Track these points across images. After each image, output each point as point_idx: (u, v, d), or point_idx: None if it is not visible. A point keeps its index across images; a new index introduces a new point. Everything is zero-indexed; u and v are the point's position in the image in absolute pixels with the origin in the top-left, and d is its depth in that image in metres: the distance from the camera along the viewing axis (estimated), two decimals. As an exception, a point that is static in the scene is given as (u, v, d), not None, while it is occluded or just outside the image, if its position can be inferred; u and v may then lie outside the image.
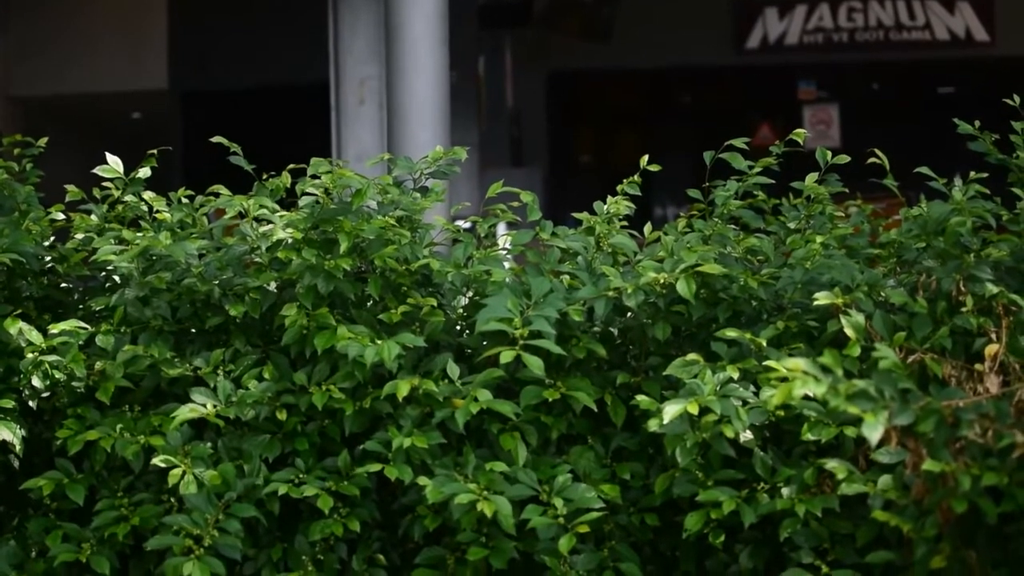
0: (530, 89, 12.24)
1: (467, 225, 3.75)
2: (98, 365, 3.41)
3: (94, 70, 11.97)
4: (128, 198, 3.76)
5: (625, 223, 3.73)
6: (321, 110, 7.34)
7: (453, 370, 3.30)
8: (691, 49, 11.90)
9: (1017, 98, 3.68)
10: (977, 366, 3.12)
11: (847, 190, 3.80)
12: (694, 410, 3.02)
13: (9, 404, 3.29)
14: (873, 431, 2.83)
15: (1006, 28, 11.71)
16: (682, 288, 3.26)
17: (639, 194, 3.80)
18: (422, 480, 3.17)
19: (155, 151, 3.81)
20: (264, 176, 3.69)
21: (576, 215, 3.68)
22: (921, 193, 3.61)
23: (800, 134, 3.68)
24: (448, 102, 6.48)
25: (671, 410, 3.01)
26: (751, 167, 3.65)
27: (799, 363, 2.92)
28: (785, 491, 3.11)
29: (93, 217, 3.76)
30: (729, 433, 3.05)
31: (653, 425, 3.06)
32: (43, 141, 3.95)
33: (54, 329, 3.37)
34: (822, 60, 12.08)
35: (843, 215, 3.85)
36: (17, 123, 11.56)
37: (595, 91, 12.93)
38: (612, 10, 11.88)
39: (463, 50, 7.19)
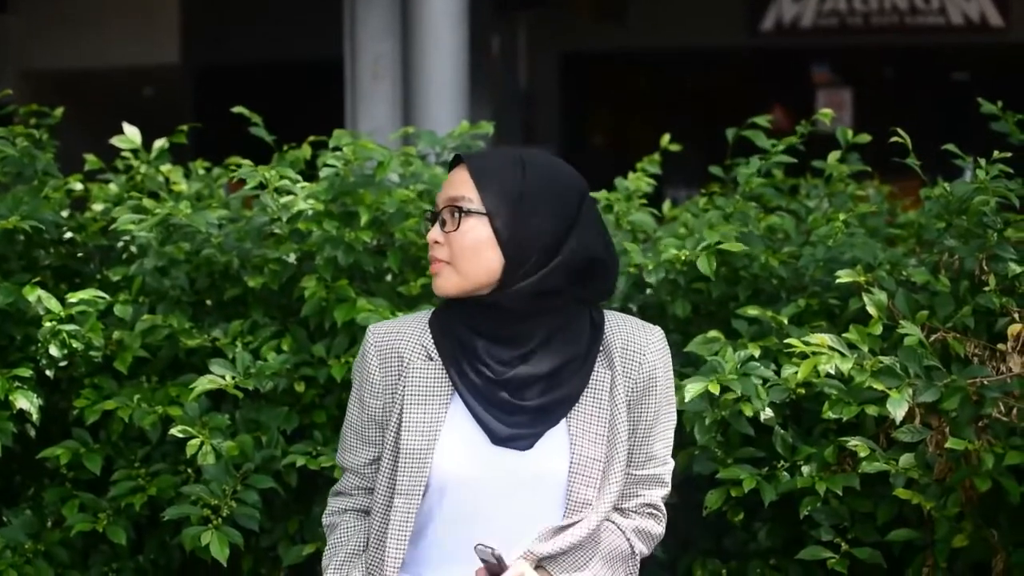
0: (543, 70, 12.18)
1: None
2: (116, 335, 3.38)
3: (106, 45, 11.91)
4: (145, 169, 3.75)
5: (644, 200, 3.72)
6: (335, 86, 7.29)
7: (472, 343, 3.26)
8: (705, 31, 11.82)
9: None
10: (1000, 346, 3.09)
11: (869, 168, 3.77)
12: (715, 389, 2.98)
13: (26, 373, 3.25)
14: (898, 407, 2.82)
15: (1021, 13, 11.65)
16: (703, 265, 3.24)
17: (659, 172, 3.79)
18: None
19: (184, 127, 3.79)
20: (285, 148, 3.66)
21: (594, 194, 3.65)
22: (937, 176, 3.57)
23: (827, 114, 3.64)
24: (467, 80, 6.42)
25: (693, 388, 2.97)
26: (774, 145, 3.62)
27: (825, 338, 2.91)
28: (805, 469, 3.08)
29: (112, 186, 3.75)
30: (749, 411, 3.02)
31: (674, 402, 3.03)
32: (59, 111, 3.94)
33: (72, 298, 3.32)
34: (836, 44, 12.01)
35: (864, 195, 3.82)
36: (30, 97, 11.52)
37: (608, 72, 12.86)
38: (625, -9, 11.85)
39: (477, 30, 7.12)
